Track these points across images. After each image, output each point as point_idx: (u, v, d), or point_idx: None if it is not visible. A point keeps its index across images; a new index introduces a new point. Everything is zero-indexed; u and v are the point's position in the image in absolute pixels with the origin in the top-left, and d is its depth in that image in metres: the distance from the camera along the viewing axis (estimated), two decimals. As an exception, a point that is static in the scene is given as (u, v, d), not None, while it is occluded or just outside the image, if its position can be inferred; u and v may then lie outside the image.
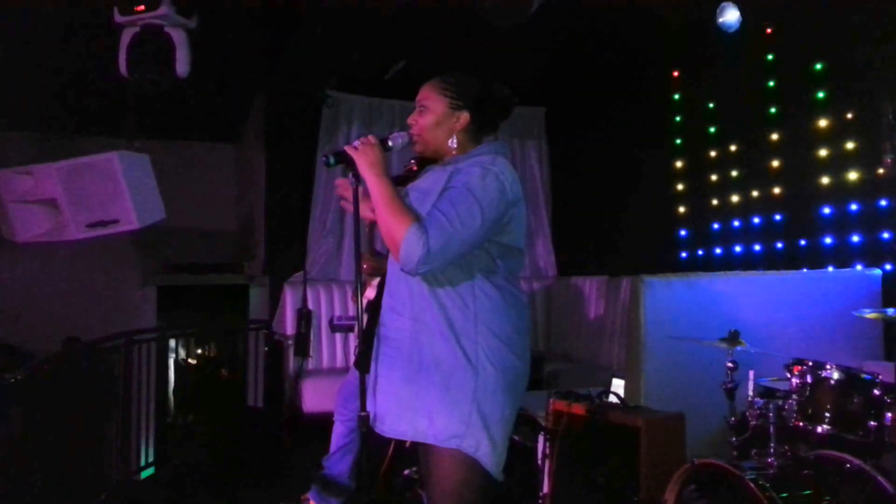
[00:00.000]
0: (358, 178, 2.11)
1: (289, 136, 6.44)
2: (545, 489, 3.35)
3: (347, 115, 6.45)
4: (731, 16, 4.10)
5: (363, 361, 2.23)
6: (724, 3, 4.14)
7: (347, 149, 2.12)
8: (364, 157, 2.10)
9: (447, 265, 2.04)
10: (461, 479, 2.05)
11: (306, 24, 5.23)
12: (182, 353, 6.48)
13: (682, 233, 5.55)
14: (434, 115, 2.19)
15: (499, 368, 2.07)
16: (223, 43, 5.16)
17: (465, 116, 2.19)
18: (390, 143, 2.17)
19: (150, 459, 5.36)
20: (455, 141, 2.19)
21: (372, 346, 2.26)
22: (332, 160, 2.13)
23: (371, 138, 2.14)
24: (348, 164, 2.11)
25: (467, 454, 2.04)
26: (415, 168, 2.45)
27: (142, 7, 4.27)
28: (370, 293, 3.17)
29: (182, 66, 4.29)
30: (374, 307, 2.43)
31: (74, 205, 4.91)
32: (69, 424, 4.01)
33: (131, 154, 4.97)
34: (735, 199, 5.06)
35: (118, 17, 4.30)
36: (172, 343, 6.33)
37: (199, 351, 6.65)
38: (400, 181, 2.37)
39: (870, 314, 2.87)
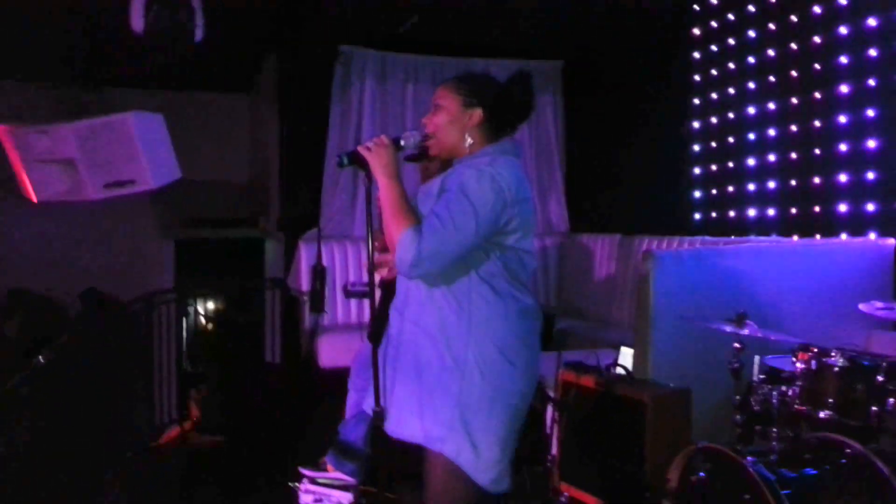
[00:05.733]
0: (370, 178, 2.12)
1: (301, 90, 6.38)
2: (553, 451, 3.45)
3: (360, 70, 6.36)
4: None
5: (376, 335, 2.25)
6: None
7: (361, 149, 2.14)
8: (377, 158, 2.11)
9: (445, 267, 2.03)
10: (446, 484, 2.08)
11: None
12: (199, 308, 6.56)
13: (697, 194, 5.52)
14: (447, 113, 2.19)
15: (487, 376, 2.04)
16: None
17: (477, 114, 2.18)
18: (402, 143, 2.18)
19: (174, 417, 5.50)
20: (470, 139, 2.18)
21: (385, 320, 2.32)
22: (345, 160, 2.15)
23: (384, 139, 2.14)
24: (361, 164, 2.12)
25: (450, 459, 2.05)
26: (428, 146, 2.40)
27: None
28: (385, 271, 3.21)
29: (199, 31, 4.24)
30: (389, 284, 2.46)
31: (91, 165, 4.93)
32: (95, 390, 4.13)
33: (146, 114, 4.96)
34: (751, 162, 5.01)
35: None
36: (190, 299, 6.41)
37: (216, 304, 6.75)
38: (414, 158, 2.37)
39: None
